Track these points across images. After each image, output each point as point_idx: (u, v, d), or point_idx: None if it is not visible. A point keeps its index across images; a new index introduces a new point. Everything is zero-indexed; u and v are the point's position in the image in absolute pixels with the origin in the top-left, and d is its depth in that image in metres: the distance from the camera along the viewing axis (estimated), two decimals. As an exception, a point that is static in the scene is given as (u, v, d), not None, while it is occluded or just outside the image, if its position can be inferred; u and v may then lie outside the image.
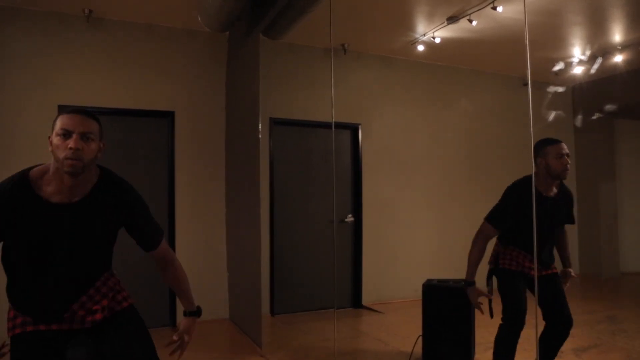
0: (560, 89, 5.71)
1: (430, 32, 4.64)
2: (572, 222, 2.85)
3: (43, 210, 1.56)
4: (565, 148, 2.65)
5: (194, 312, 1.97)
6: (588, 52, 5.13)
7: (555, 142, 2.68)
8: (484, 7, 3.98)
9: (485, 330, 3.86)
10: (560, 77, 5.90)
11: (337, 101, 5.22)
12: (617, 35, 4.76)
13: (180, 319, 4.62)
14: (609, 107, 5.78)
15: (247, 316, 4.01)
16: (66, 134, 1.55)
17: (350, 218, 5.21)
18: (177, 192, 4.46)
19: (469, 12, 4.12)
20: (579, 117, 6.15)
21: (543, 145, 2.69)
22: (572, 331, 3.91)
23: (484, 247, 2.63)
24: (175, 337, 1.87)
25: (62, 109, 4.03)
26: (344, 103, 5.22)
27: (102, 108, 4.24)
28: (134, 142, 4.41)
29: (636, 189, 6.68)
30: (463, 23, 4.29)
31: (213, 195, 4.60)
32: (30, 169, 1.65)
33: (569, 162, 2.61)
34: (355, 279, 5.23)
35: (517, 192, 2.63)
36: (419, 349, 3.33)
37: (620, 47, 4.95)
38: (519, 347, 3.57)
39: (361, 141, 5.26)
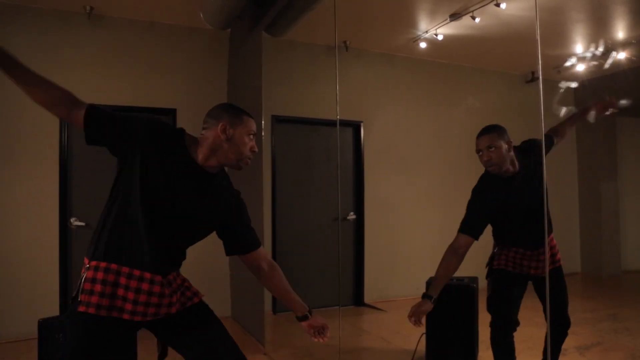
0: (573, 85, 5.69)
1: (433, 29, 4.62)
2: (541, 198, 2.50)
3: (189, 170, 1.65)
4: (487, 140, 2.42)
5: (306, 316, 1.90)
6: (592, 49, 5.11)
7: (479, 134, 2.51)
8: (487, 4, 3.95)
9: (489, 329, 3.86)
10: (563, 74, 5.88)
11: (339, 99, 5.21)
12: (620, 32, 4.74)
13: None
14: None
15: (249, 314, 4.00)
16: (254, 136, 1.74)
17: (352, 216, 5.20)
18: (178, 190, 4.44)
19: (471, 8, 4.10)
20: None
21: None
22: (575, 329, 3.91)
23: (456, 261, 2.40)
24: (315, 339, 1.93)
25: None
26: (346, 100, 5.20)
27: (104, 106, 4.21)
28: (136, 140, 4.39)
29: (638, 186, 6.66)
30: (466, 20, 4.27)
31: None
32: (182, 129, 1.73)
33: (491, 156, 2.39)
34: (357, 277, 5.22)
35: (477, 190, 2.52)
36: (422, 347, 3.32)
37: (623, 44, 4.93)
38: (523, 346, 3.56)
39: (363, 139, 5.25)
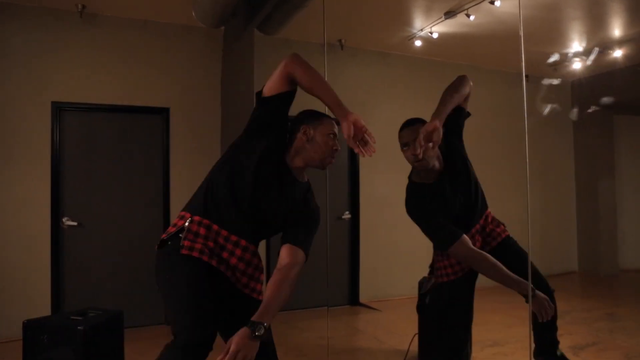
0: (555, 81, 5.66)
1: (428, 27, 4.59)
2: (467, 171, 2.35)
3: (284, 174, 1.83)
4: (416, 132, 2.20)
5: (257, 325, 1.55)
6: (584, 46, 5.08)
7: (403, 127, 2.35)
8: (481, 2, 3.92)
9: (483, 328, 3.84)
10: (559, 72, 5.86)
11: (334, 97, 5.19)
12: (617, 30, 4.71)
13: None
14: (606, 100, 5.76)
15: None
16: (334, 136, 1.86)
17: (347, 215, 5.17)
18: (172, 190, 4.42)
19: (466, 6, 4.07)
20: (574, 111, 6.09)
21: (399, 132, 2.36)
22: (570, 329, 3.92)
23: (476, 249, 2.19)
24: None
25: (55, 105, 4.00)
26: (341, 99, 5.17)
27: (96, 105, 4.20)
28: (129, 139, 4.36)
29: (635, 185, 6.65)
30: (461, 18, 4.24)
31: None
32: None
33: (421, 147, 2.09)
34: (352, 276, 5.20)
35: (409, 207, 2.36)
36: (415, 347, 3.30)
37: (619, 42, 4.91)
38: (518, 346, 3.55)
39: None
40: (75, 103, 4.14)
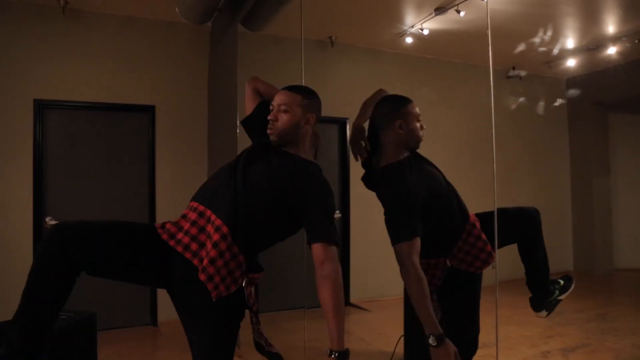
0: (522, 73, 5.58)
1: (419, 24, 4.53)
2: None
3: (267, 146, 1.86)
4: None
5: (341, 355, 1.54)
6: (578, 42, 5.02)
7: (409, 99, 2.21)
8: (471, -3, 3.87)
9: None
10: (553, 69, 5.79)
11: (325, 95, 5.10)
12: (611, 27, 4.64)
13: (162, 317, 4.50)
14: (600, 97, 5.68)
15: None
16: (274, 108, 1.88)
17: (337, 214, 5.11)
18: (157, 188, 4.35)
19: (456, 2, 4.01)
20: (541, 105, 6.00)
21: (402, 104, 2.19)
22: (561, 330, 3.86)
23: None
24: None
25: (38, 103, 3.93)
26: (332, 97, 5.10)
27: (80, 102, 4.13)
28: (114, 137, 4.30)
29: (630, 183, 6.58)
30: (451, 14, 4.18)
31: (195, 191, 4.49)
32: None
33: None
34: (342, 276, 5.13)
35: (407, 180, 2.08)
36: (401, 349, 3.23)
37: (614, 39, 4.83)
38: (500, 345, 3.47)
39: (349, 136, 5.15)
40: (58, 101, 4.07)
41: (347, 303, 5.07)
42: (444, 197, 2.09)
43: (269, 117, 1.85)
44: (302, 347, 3.50)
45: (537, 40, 4.73)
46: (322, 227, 1.66)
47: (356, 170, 5.14)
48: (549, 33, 4.70)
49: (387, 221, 2.01)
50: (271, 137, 1.84)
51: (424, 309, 1.81)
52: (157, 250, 1.63)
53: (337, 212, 5.10)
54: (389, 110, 2.17)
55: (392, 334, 3.72)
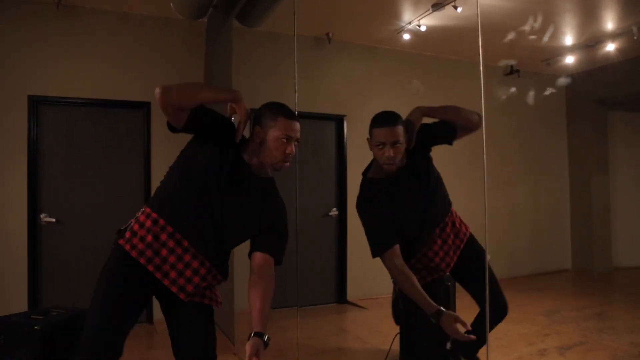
0: (512, 62, 5.55)
1: (416, 20, 4.50)
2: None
3: (241, 170, 1.76)
4: (395, 134, 2.04)
5: (264, 335, 1.65)
6: (577, 40, 4.98)
7: (382, 123, 2.09)
8: (468, -7, 3.84)
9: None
10: (552, 67, 5.76)
11: (322, 92, 5.09)
12: (610, 23, 4.61)
13: (157, 315, 4.48)
14: (599, 95, 5.65)
15: (220, 311, 3.89)
16: (288, 139, 1.74)
17: (334, 212, 5.09)
18: (153, 185, 4.32)
19: (453, -3, 3.98)
20: (531, 94, 5.96)
21: (371, 124, 2.17)
22: (559, 328, 3.84)
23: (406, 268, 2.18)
24: None
25: (32, 99, 3.88)
26: (329, 94, 5.08)
27: (75, 99, 4.11)
28: (109, 134, 4.27)
29: (629, 181, 6.55)
30: (448, 10, 4.15)
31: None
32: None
33: (396, 154, 2.07)
34: (340, 274, 5.12)
35: (359, 203, 2.33)
36: (397, 346, 3.22)
37: (613, 36, 4.80)
38: (496, 344, 3.47)
39: (346, 133, 5.13)
40: (53, 97, 4.04)
41: (344, 301, 5.05)
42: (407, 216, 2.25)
43: (289, 152, 1.76)
44: (296, 345, 3.47)
45: (535, 37, 4.71)
46: (279, 247, 1.82)
47: (353, 167, 5.14)
48: (548, 31, 4.68)
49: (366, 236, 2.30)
50: (283, 169, 1.81)
51: (417, 296, 2.06)
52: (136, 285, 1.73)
53: (334, 209, 5.08)
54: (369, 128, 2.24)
55: (388, 332, 3.72)
